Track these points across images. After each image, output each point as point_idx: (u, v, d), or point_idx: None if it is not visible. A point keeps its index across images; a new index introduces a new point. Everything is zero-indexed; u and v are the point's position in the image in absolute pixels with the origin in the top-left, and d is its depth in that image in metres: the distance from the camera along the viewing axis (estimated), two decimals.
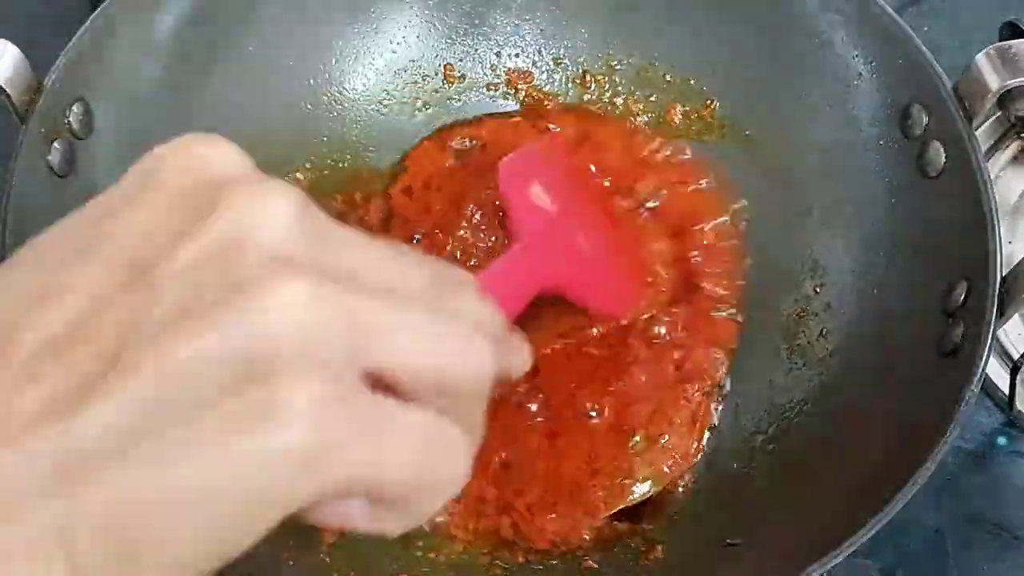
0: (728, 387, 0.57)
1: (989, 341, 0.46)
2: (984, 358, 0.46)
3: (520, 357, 0.34)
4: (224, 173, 0.26)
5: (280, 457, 0.23)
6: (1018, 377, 0.58)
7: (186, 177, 0.26)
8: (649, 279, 0.57)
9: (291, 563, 0.50)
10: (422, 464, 0.26)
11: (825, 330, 0.56)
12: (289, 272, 0.24)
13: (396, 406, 0.26)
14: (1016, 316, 0.51)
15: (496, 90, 0.65)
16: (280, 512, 0.24)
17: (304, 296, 0.24)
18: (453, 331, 0.27)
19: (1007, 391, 0.59)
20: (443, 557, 0.52)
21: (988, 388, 0.59)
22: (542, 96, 0.65)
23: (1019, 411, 0.59)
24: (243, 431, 0.23)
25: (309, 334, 0.24)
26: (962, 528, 0.56)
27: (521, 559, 0.52)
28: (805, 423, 0.54)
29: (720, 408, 0.56)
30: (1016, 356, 0.59)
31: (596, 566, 0.52)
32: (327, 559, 0.51)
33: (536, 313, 0.51)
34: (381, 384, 0.26)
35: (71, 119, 0.51)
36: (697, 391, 0.56)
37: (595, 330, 0.56)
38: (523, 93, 0.65)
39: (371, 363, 0.25)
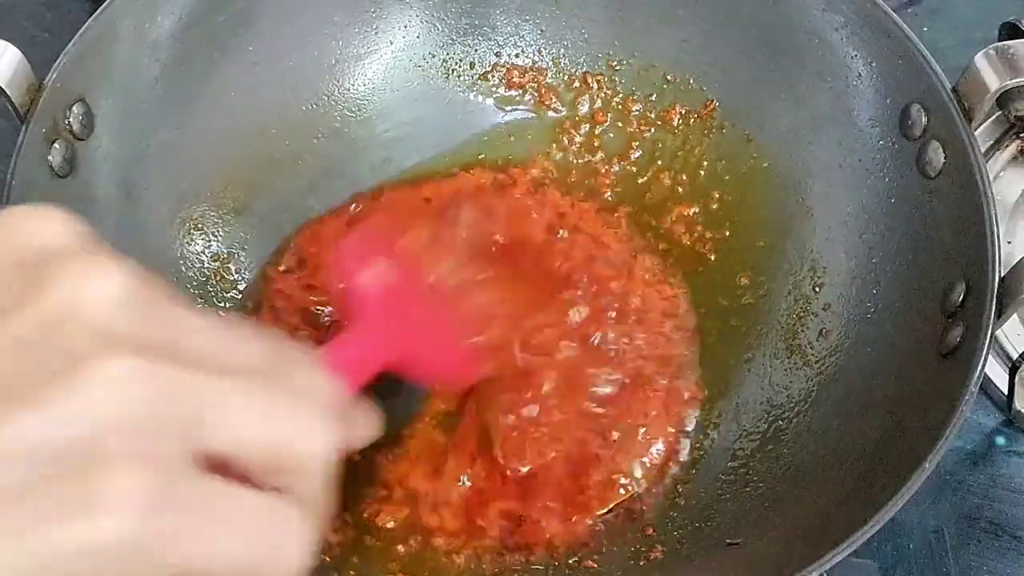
0: (701, 372, 0.57)
1: (988, 341, 0.46)
2: (983, 358, 0.45)
3: (364, 428, 0.33)
4: (53, 247, 0.26)
5: (100, 550, 0.22)
6: (1017, 377, 0.58)
7: (14, 253, 0.26)
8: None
9: None
10: (257, 549, 0.25)
11: (824, 330, 0.56)
12: (111, 352, 0.24)
13: (228, 491, 0.25)
14: (1015, 316, 0.51)
15: (496, 91, 0.65)
16: None
17: (127, 376, 0.24)
18: (288, 407, 0.27)
19: (1006, 391, 0.59)
20: (443, 559, 0.52)
21: (987, 388, 0.59)
22: (547, 92, 0.65)
23: (1018, 411, 0.59)
24: (62, 522, 0.22)
25: (133, 417, 0.24)
26: (961, 527, 0.56)
27: (522, 559, 0.52)
28: (804, 423, 0.54)
29: (701, 399, 0.56)
30: (1015, 356, 0.59)
31: (596, 566, 0.52)
32: (327, 559, 0.51)
33: None
34: (219, 464, 0.25)
35: (71, 120, 0.51)
36: (663, 379, 0.56)
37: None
38: (528, 93, 0.65)
39: (203, 444, 0.25)
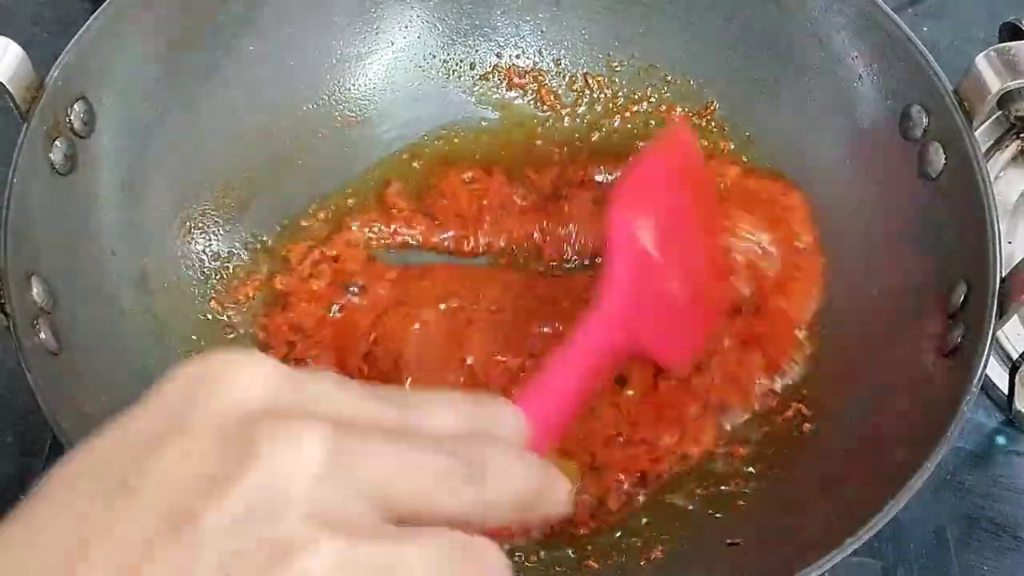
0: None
1: (989, 342, 0.46)
2: (984, 359, 0.45)
3: (556, 502, 0.33)
4: (254, 409, 0.27)
5: None
6: (1017, 377, 0.58)
7: (216, 417, 0.27)
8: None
9: None
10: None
11: (824, 332, 0.56)
12: (318, 542, 0.25)
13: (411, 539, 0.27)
14: (1015, 316, 0.51)
15: (497, 92, 0.65)
16: None
17: (335, 564, 0.25)
18: (469, 495, 0.28)
19: (1006, 391, 0.59)
20: None
21: (987, 388, 0.59)
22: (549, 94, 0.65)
23: (1018, 411, 0.59)
24: None
25: None
26: (962, 527, 0.56)
27: (518, 559, 0.52)
28: (804, 423, 0.54)
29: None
30: (1015, 356, 0.59)
31: (596, 566, 0.52)
32: None
33: None
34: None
35: (72, 118, 0.51)
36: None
37: None
38: (529, 94, 0.65)
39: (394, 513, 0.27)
